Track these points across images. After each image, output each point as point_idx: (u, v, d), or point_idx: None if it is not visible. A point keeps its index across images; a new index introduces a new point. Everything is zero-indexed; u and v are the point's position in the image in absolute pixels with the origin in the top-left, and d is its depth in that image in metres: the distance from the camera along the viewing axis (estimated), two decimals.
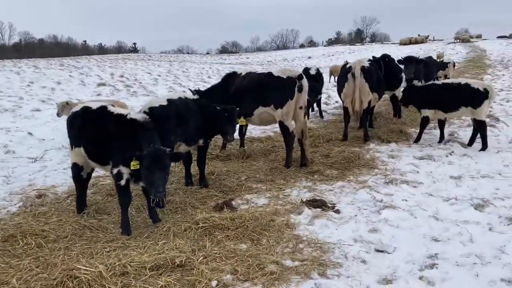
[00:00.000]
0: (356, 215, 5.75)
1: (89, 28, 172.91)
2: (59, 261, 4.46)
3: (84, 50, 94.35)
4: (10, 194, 6.93)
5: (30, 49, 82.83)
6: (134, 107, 13.29)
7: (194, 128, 6.55)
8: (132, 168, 4.91)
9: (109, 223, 5.65)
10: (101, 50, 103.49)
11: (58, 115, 10.14)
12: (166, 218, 5.79)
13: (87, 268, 4.12)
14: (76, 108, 5.91)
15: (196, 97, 7.02)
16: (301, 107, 7.88)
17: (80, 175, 5.98)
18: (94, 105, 5.76)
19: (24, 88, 18.33)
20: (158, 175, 4.83)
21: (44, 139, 10.72)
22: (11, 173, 8.06)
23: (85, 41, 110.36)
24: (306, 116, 8.10)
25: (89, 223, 5.54)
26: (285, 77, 7.70)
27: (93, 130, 5.47)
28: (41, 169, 8.44)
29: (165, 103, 6.36)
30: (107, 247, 4.85)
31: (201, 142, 6.88)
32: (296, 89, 7.65)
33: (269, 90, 7.76)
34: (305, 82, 7.82)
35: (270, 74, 7.88)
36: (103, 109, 5.58)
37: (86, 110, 5.69)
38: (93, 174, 6.58)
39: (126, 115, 5.38)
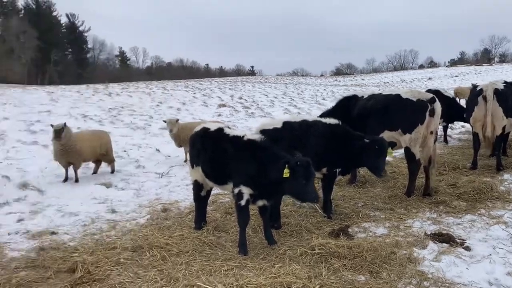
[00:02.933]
0: (490, 254, 5.16)
1: (211, 52, 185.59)
2: (181, 275, 4.62)
3: (206, 73, 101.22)
4: (139, 207, 7.49)
5: (159, 72, 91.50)
6: (251, 128, 13.70)
7: (315, 154, 5.96)
8: (284, 176, 4.95)
9: (227, 241, 5.78)
10: (222, 73, 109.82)
11: (171, 131, 10.55)
12: (281, 240, 5.76)
13: (207, 286, 4.22)
14: (197, 128, 6.17)
15: (334, 122, 6.58)
16: (431, 132, 7.35)
17: (199, 193, 6.23)
18: (213, 126, 5.94)
19: (154, 108, 20.08)
20: (311, 183, 5.00)
21: (169, 156, 11.57)
22: (141, 186, 8.76)
23: (207, 65, 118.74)
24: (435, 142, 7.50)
25: (208, 240, 5.72)
26: (415, 100, 7.25)
27: (211, 151, 5.68)
28: (167, 184, 9.03)
29: (279, 125, 6.38)
30: (225, 266, 4.91)
31: (324, 170, 6.55)
32: (427, 113, 7.19)
33: (396, 113, 7.34)
34: (437, 105, 7.28)
35: (398, 96, 7.45)
36: (220, 130, 5.75)
37: (205, 130, 5.92)
38: (213, 192, 6.82)
39: (243, 136, 5.51)
